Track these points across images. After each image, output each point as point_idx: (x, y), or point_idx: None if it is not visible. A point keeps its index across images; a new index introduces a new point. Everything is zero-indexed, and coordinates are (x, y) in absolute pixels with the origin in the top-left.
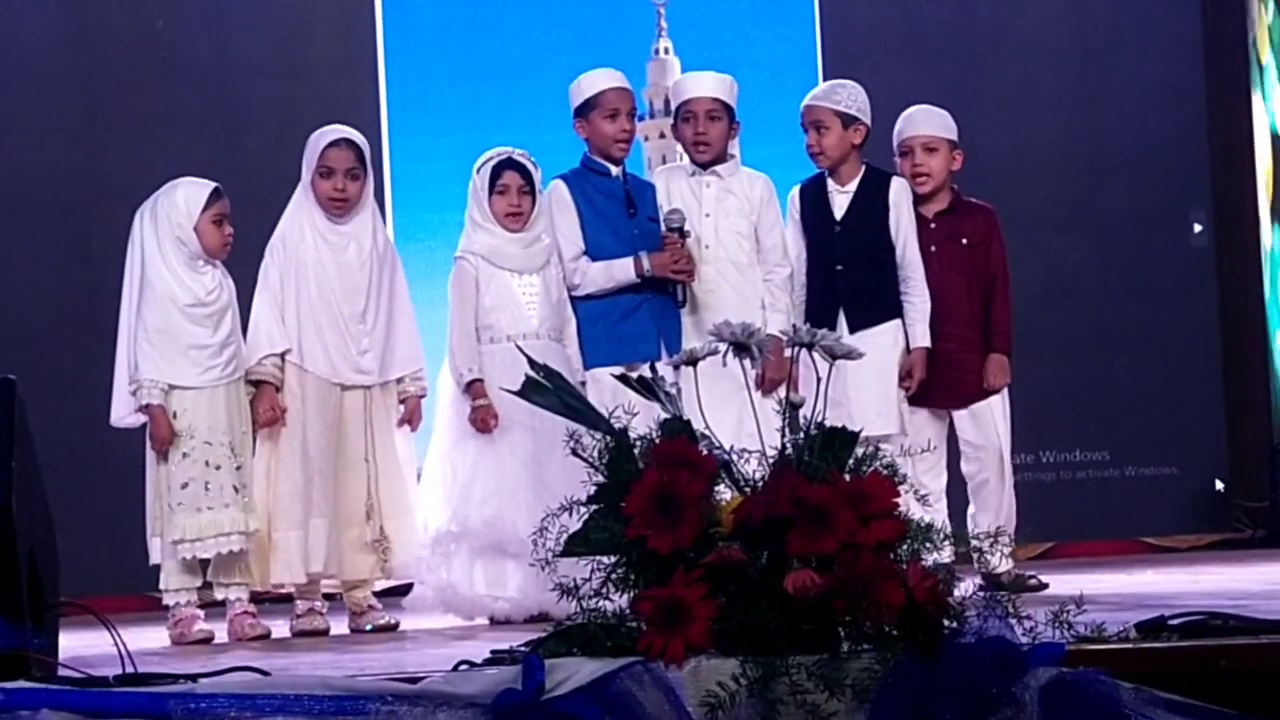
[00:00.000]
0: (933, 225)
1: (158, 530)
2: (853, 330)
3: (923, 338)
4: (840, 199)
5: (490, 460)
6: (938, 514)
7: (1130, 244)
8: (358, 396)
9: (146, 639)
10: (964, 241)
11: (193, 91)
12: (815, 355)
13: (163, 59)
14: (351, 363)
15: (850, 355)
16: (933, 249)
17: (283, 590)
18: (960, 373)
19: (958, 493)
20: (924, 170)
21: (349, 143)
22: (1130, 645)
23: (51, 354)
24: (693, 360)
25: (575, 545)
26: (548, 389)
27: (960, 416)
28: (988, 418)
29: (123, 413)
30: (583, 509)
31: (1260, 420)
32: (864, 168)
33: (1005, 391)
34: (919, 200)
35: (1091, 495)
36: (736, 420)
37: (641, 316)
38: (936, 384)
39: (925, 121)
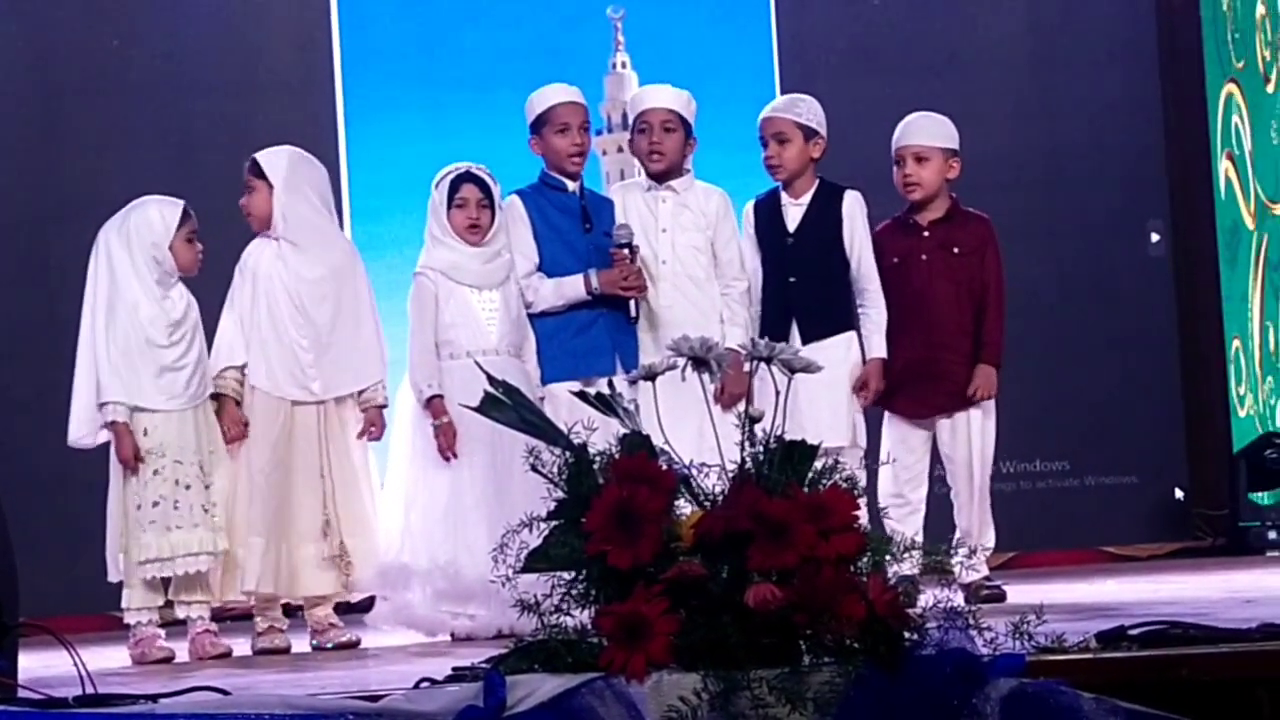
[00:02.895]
0: (926, 234)
1: (121, 547)
2: (805, 342)
3: (879, 349)
4: (794, 211)
5: (449, 495)
6: (910, 525)
7: (1088, 254)
8: (310, 411)
9: (107, 659)
10: (955, 250)
11: (149, 110)
12: (774, 369)
13: (119, 77)
14: (296, 379)
15: (809, 369)
16: (924, 257)
17: (247, 605)
18: (943, 381)
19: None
20: (914, 180)
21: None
22: (1091, 655)
23: (7, 374)
24: (651, 375)
25: (535, 561)
26: (506, 405)
27: (943, 427)
28: (963, 430)
29: (81, 433)
30: (543, 525)
31: (1219, 428)
32: (818, 181)
33: (991, 406)
34: (914, 209)
35: (1051, 505)
36: (696, 434)
37: (597, 332)
38: (916, 391)
39: (918, 131)
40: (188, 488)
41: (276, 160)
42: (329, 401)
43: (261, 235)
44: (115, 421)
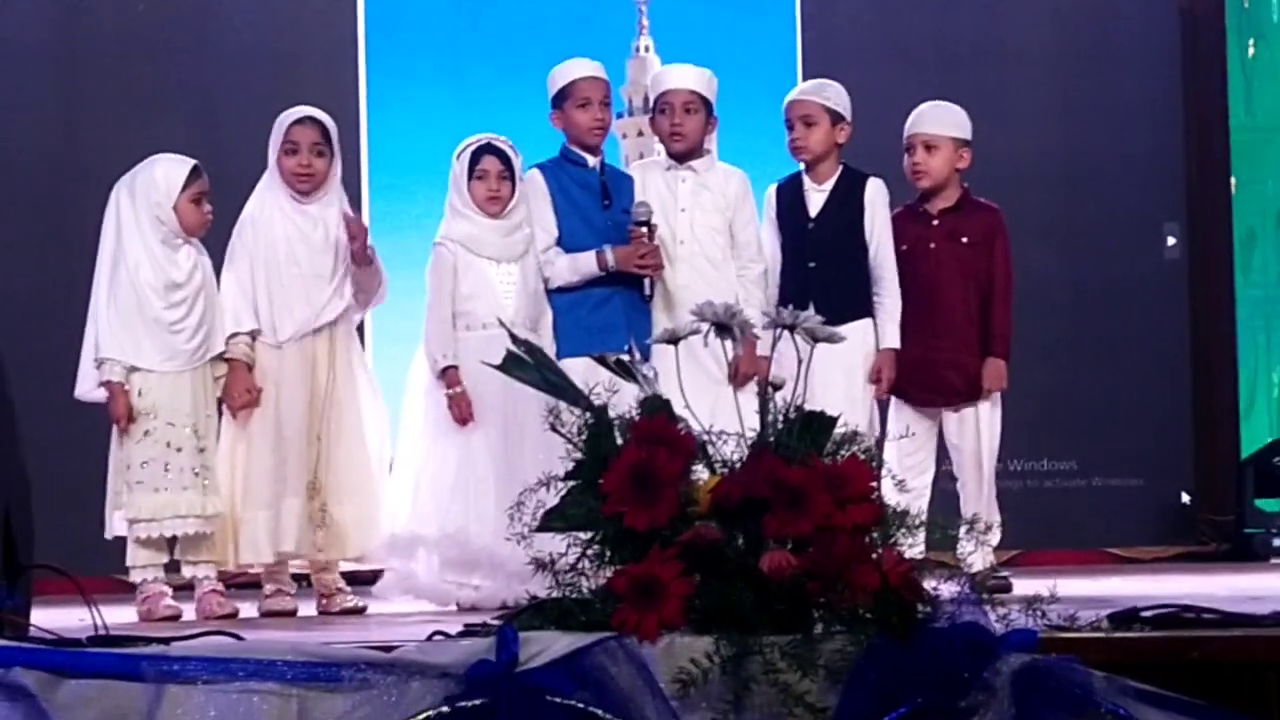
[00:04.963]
0: (935, 222)
1: (118, 504)
2: None
3: (892, 338)
4: (816, 197)
5: (459, 465)
6: (914, 510)
7: (1104, 255)
8: (324, 377)
9: (115, 617)
10: (964, 240)
11: (172, 76)
12: (796, 338)
13: (143, 43)
14: (315, 310)
15: (832, 339)
16: (932, 245)
17: (252, 571)
18: (949, 370)
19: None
20: (922, 168)
21: (314, 120)
22: (1103, 635)
23: (26, 335)
24: (674, 339)
25: (552, 521)
26: (528, 364)
27: (949, 417)
28: (971, 421)
29: (87, 386)
30: (559, 486)
31: (1227, 434)
32: (842, 167)
33: (997, 398)
34: (924, 197)
35: (1058, 504)
36: (709, 416)
37: (612, 308)
38: (923, 379)
39: (930, 119)
40: (179, 450)
41: (333, 128)
42: (338, 365)
43: (276, 198)
44: (110, 380)
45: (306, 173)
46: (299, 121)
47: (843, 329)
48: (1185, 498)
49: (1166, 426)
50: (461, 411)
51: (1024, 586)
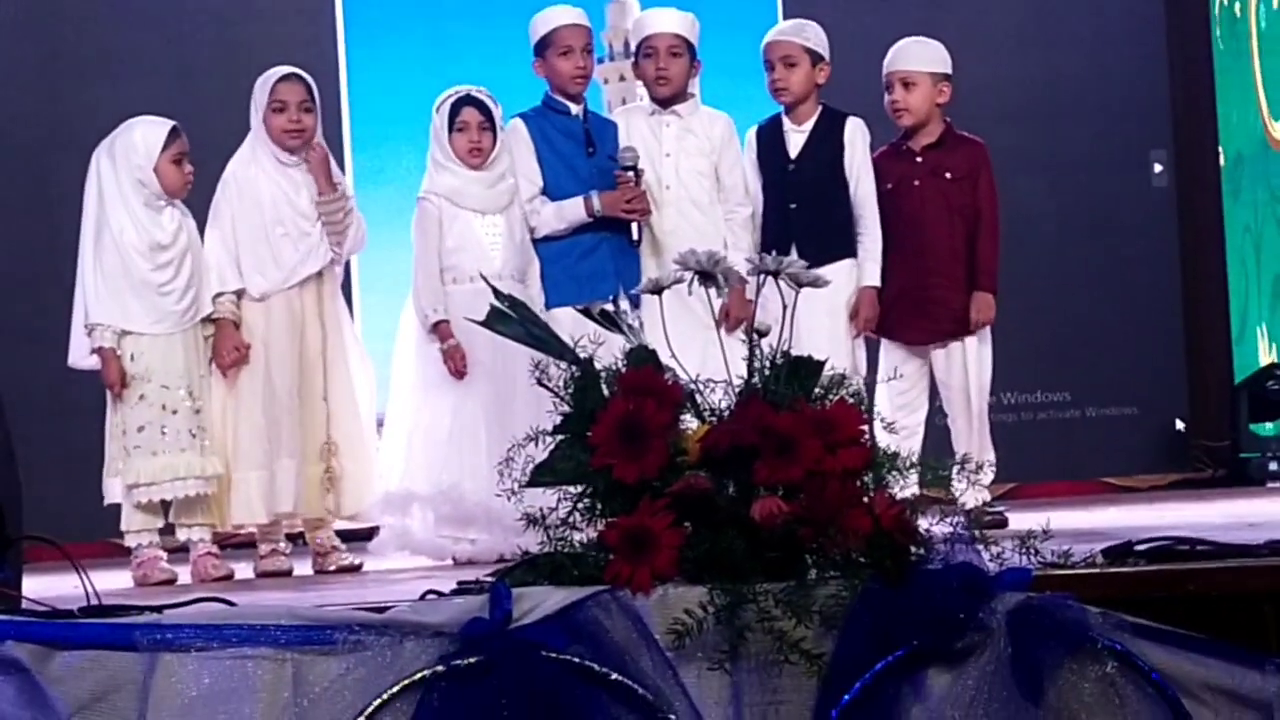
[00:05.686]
0: (919, 159)
1: (115, 471)
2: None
3: (871, 277)
4: (796, 138)
5: (451, 420)
6: (906, 450)
7: (1091, 184)
8: (315, 336)
9: (110, 582)
10: (948, 176)
11: (149, 35)
12: (781, 283)
13: (119, 3)
14: (300, 257)
15: (816, 283)
16: (916, 182)
17: (246, 531)
18: (936, 306)
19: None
20: (902, 105)
21: (299, 78)
22: (1097, 570)
23: (9, 300)
24: (658, 289)
25: (542, 475)
26: (512, 319)
27: (937, 354)
28: (958, 357)
29: (80, 354)
30: (548, 440)
31: (1220, 360)
32: (821, 108)
33: (987, 332)
34: (908, 134)
35: (1052, 436)
36: (699, 361)
37: (600, 256)
38: (910, 317)
39: (906, 56)
40: (174, 412)
41: (315, 87)
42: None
43: (262, 157)
44: (101, 346)
45: (296, 129)
46: (284, 79)
47: (826, 270)
48: (1180, 425)
49: (1159, 354)
50: (457, 364)
51: (1020, 520)
